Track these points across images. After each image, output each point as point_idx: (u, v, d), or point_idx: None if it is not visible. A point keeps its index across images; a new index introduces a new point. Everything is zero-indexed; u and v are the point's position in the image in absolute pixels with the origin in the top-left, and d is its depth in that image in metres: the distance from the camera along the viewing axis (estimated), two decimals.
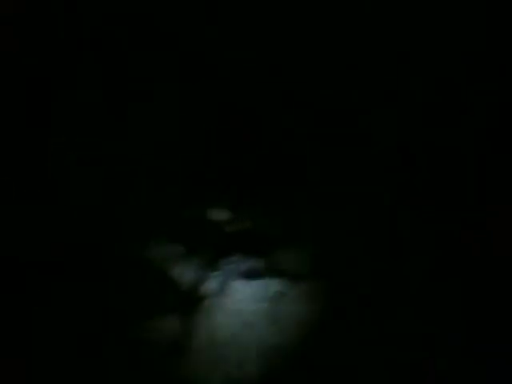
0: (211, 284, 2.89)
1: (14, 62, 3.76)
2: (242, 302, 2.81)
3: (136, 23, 3.83)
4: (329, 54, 3.53)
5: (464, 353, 2.46)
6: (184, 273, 2.90)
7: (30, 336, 2.72)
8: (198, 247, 3.01)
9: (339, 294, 2.75)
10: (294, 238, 3.00)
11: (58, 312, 2.75)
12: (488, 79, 2.87)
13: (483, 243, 2.49)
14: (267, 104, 3.27)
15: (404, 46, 3.31)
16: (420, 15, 3.30)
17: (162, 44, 3.84)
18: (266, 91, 3.54)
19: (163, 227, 3.09)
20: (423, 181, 2.90)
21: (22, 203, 3.36)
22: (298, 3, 3.64)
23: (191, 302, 2.80)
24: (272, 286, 2.88)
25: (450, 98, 2.83)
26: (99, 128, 3.76)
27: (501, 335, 2.44)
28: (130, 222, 3.13)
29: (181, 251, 3.00)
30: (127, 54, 3.87)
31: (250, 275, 2.92)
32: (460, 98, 2.80)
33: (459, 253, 2.70)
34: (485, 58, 3.00)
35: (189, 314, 2.75)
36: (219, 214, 3.16)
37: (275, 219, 3.11)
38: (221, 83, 3.70)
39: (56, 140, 3.77)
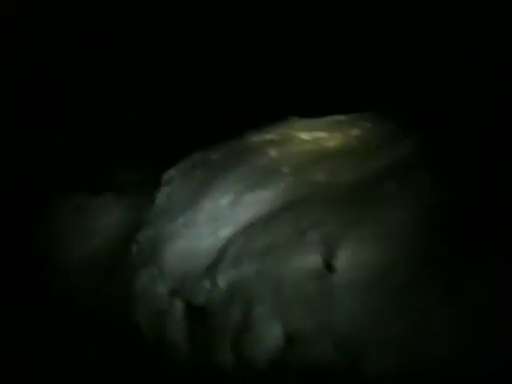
0: None
1: (13, 62, 3.76)
2: None
3: (136, 23, 3.83)
4: (329, 53, 3.53)
5: (464, 353, 2.46)
6: None
7: (30, 336, 2.72)
8: None
9: None
10: None
11: (57, 312, 2.75)
12: (488, 79, 2.87)
13: (483, 243, 2.49)
14: (267, 104, 3.27)
15: (404, 45, 3.31)
16: (420, 15, 3.30)
17: (161, 44, 3.84)
18: (266, 91, 3.54)
19: None
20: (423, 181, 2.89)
21: (22, 203, 3.36)
22: (297, 3, 3.64)
23: None
24: None
25: (450, 97, 2.83)
26: (99, 128, 3.76)
27: (501, 335, 2.43)
28: None
29: None
30: (127, 54, 3.87)
31: None
32: (460, 98, 2.80)
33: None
34: (485, 58, 3.00)
35: None
36: None
37: None
38: (221, 83, 3.70)
39: (56, 140, 3.77)
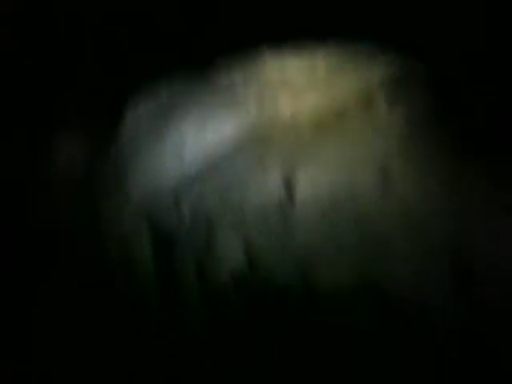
0: None
1: (13, 62, 3.76)
2: None
3: (136, 23, 3.83)
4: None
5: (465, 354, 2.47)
6: None
7: (30, 336, 2.72)
8: None
9: None
10: None
11: (57, 312, 2.75)
12: (488, 79, 2.88)
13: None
14: None
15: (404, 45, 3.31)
16: (420, 15, 3.30)
17: (161, 44, 3.84)
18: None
19: None
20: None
21: (22, 204, 3.36)
22: (297, 3, 3.64)
23: None
24: None
25: (450, 98, 2.84)
26: (99, 128, 3.76)
27: (501, 334, 2.44)
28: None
29: None
30: (127, 54, 3.87)
31: None
32: (460, 98, 2.80)
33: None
34: (485, 57, 3.01)
35: None
36: None
37: None
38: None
39: (56, 140, 3.77)
